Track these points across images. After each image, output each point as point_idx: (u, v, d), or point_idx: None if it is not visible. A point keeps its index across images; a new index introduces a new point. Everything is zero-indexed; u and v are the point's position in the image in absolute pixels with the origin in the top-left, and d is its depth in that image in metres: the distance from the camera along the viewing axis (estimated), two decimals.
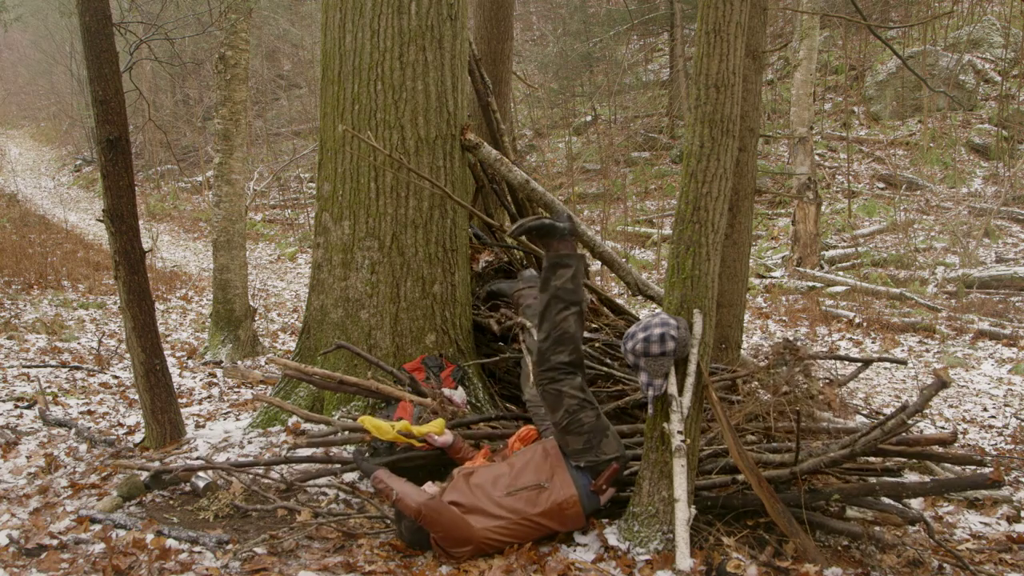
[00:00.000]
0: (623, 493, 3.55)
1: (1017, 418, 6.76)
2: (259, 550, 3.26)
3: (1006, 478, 5.19)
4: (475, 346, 4.93)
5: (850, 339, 9.84)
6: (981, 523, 4.29)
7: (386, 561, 3.23)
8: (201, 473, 3.81)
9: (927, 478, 4.66)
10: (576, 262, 3.41)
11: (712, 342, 3.37)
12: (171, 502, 3.73)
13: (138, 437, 5.03)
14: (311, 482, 3.92)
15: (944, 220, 13.62)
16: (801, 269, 12.57)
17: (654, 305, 6.45)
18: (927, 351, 9.26)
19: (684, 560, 2.99)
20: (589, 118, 19.91)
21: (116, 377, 7.18)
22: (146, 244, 4.58)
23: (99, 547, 3.22)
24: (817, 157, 15.02)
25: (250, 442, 4.38)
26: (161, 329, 7.55)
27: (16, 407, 5.87)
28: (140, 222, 4.56)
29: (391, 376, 4.24)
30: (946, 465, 4.87)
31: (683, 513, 3.07)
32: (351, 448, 4.33)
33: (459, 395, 4.31)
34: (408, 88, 4.51)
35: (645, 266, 13.72)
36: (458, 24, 4.64)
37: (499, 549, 3.26)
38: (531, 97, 20.92)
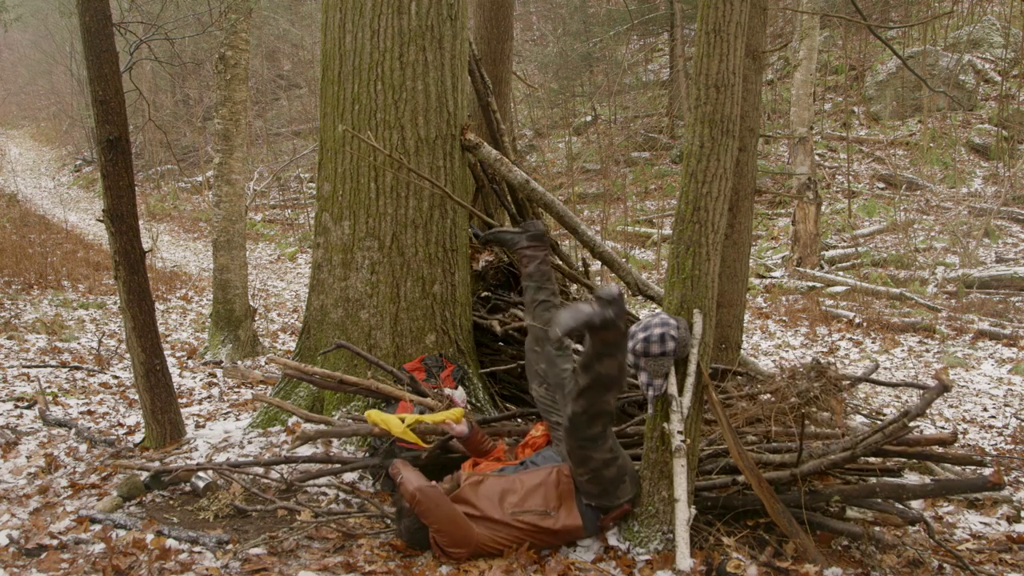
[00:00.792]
0: None
1: (1017, 418, 6.76)
2: (259, 550, 3.26)
3: (1006, 478, 5.19)
4: (476, 346, 4.93)
5: (850, 339, 9.84)
6: (981, 523, 4.29)
7: (386, 561, 3.23)
8: (201, 473, 3.81)
9: (928, 478, 4.66)
10: (623, 352, 3.15)
11: (712, 342, 3.37)
12: (171, 502, 3.73)
13: (138, 437, 5.03)
14: (311, 482, 3.92)
15: (944, 220, 13.62)
16: (801, 269, 12.57)
17: (654, 305, 6.45)
18: (927, 351, 9.26)
19: (684, 560, 2.99)
20: (589, 118, 19.91)
21: (116, 377, 7.18)
22: (146, 244, 4.58)
23: (99, 547, 3.22)
24: (817, 157, 15.02)
25: (250, 442, 4.38)
26: (161, 329, 7.55)
27: (16, 407, 5.87)
28: (140, 222, 4.56)
29: (391, 376, 4.24)
30: (946, 465, 4.88)
31: (683, 513, 3.07)
32: (351, 448, 4.34)
33: (459, 395, 4.31)
34: (408, 88, 4.51)
35: (645, 266, 13.72)
36: (458, 24, 4.64)
37: (498, 552, 3.26)
38: (531, 97, 20.92)
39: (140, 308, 4.49)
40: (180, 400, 5.32)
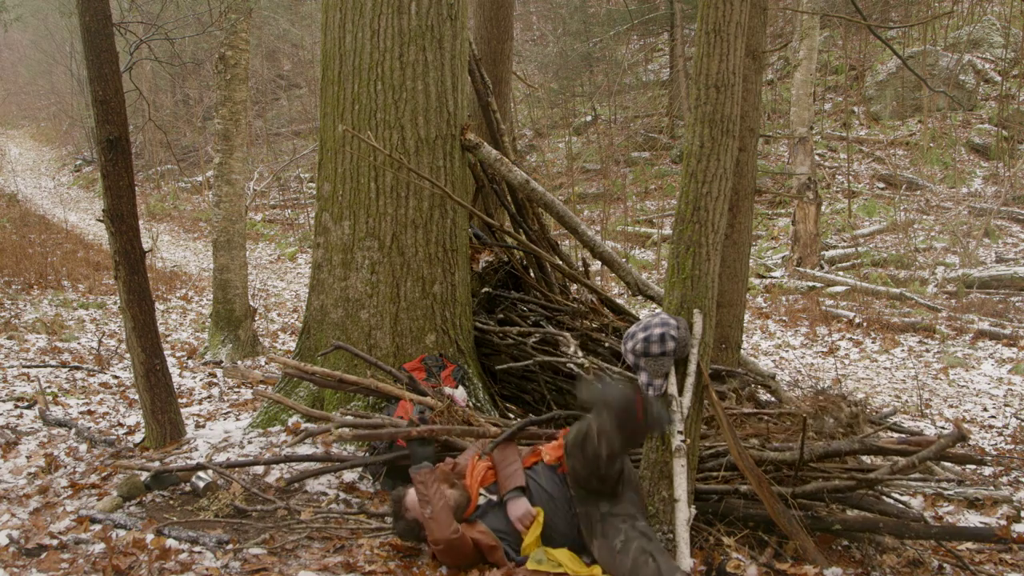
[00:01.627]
0: None
1: (1017, 418, 6.76)
2: (259, 550, 3.26)
3: (1006, 478, 5.19)
4: (475, 346, 4.94)
5: (850, 339, 9.84)
6: (981, 523, 4.29)
7: (386, 561, 3.23)
8: (201, 473, 3.81)
9: (928, 489, 4.65)
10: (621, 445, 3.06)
11: (712, 342, 3.37)
12: (171, 502, 3.73)
13: (138, 437, 5.03)
14: (311, 482, 3.92)
15: (944, 220, 13.62)
16: (801, 269, 12.57)
17: (654, 305, 6.45)
18: (927, 351, 9.26)
19: (684, 560, 2.99)
20: (589, 118, 19.91)
21: (116, 377, 7.18)
22: (146, 244, 4.58)
23: (99, 547, 3.22)
24: (817, 157, 15.02)
25: (250, 442, 4.38)
26: (161, 329, 7.54)
27: (16, 407, 5.87)
28: (140, 222, 4.56)
29: (390, 376, 4.24)
30: (946, 464, 4.88)
31: (683, 513, 3.07)
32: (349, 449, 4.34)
33: (460, 394, 4.31)
34: (408, 88, 4.51)
35: (645, 266, 13.72)
36: (458, 24, 4.64)
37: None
38: (531, 97, 20.92)
39: (140, 308, 4.49)
40: (180, 400, 5.32)
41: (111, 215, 4.36)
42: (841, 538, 3.58)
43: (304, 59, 24.25)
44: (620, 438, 3.01)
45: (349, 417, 3.93)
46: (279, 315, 11.15)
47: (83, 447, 4.78)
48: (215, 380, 7.26)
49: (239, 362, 8.05)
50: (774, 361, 8.98)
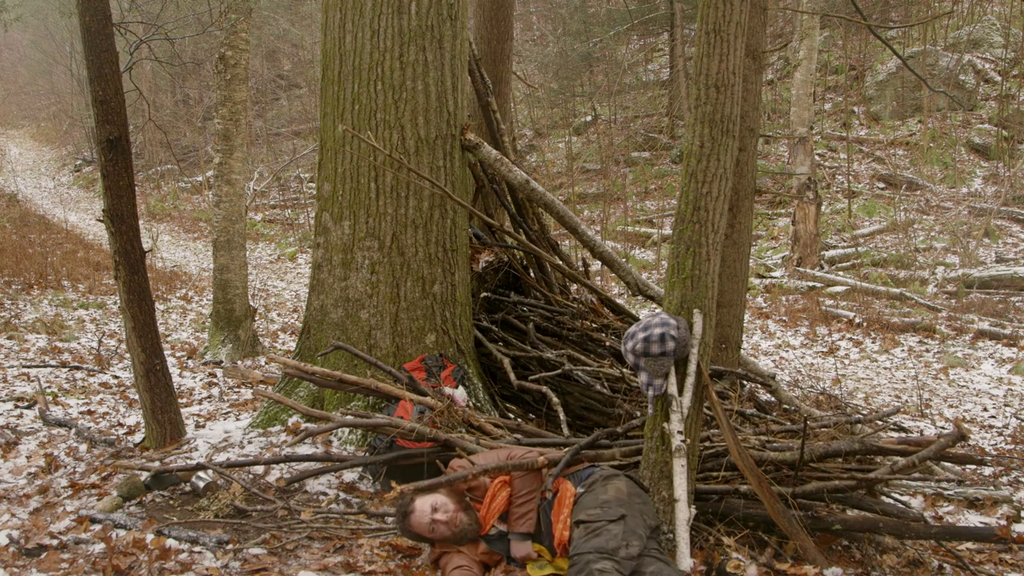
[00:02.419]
0: None
1: (1017, 418, 6.76)
2: (259, 550, 3.26)
3: (1006, 478, 5.19)
4: (475, 347, 4.94)
5: (850, 339, 9.84)
6: (981, 523, 4.29)
7: (386, 561, 3.23)
8: (201, 473, 3.81)
9: (928, 488, 4.66)
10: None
11: (712, 342, 3.37)
12: (171, 502, 3.73)
13: (138, 437, 5.03)
14: (311, 482, 3.92)
15: (944, 220, 13.62)
16: (801, 269, 12.57)
17: (654, 305, 6.45)
18: (927, 351, 9.26)
19: (684, 560, 2.99)
20: (589, 118, 19.91)
21: (116, 377, 7.18)
22: (146, 244, 4.58)
23: (99, 547, 3.22)
24: (817, 157, 15.02)
25: (250, 442, 4.38)
26: (161, 329, 7.55)
27: (16, 407, 5.87)
28: (140, 222, 4.56)
29: (390, 376, 4.24)
30: (946, 464, 4.88)
31: (683, 513, 3.07)
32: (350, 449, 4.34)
33: (460, 394, 4.31)
34: (408, 88, 4.51)
35: (645, 266, 13.72)
36: (458, 24, 4.64)
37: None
38: (531, 97, 20.92)
39: (140, 308, 4.49)
40: (180, 400, 5.32)
41: (111, 215, 4.36)
42: (841, 538, 3.58)
43: (304, 59, 24.25)
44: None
45: (349, 417, 3.93)
46: (279, 315, 11.15)
47: (83, 447, 4.78)
48: (215, 380, 7.26)
49: (239, 362, 8.05)
50: (774, 361, 8.98)
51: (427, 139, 4.56)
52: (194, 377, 7.38)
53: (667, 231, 14.11)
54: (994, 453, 5.79)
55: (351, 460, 4.02)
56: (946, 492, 4.66)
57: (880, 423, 4.86)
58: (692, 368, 3.23)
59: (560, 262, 5.39)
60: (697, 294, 3.25)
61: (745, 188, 5.49)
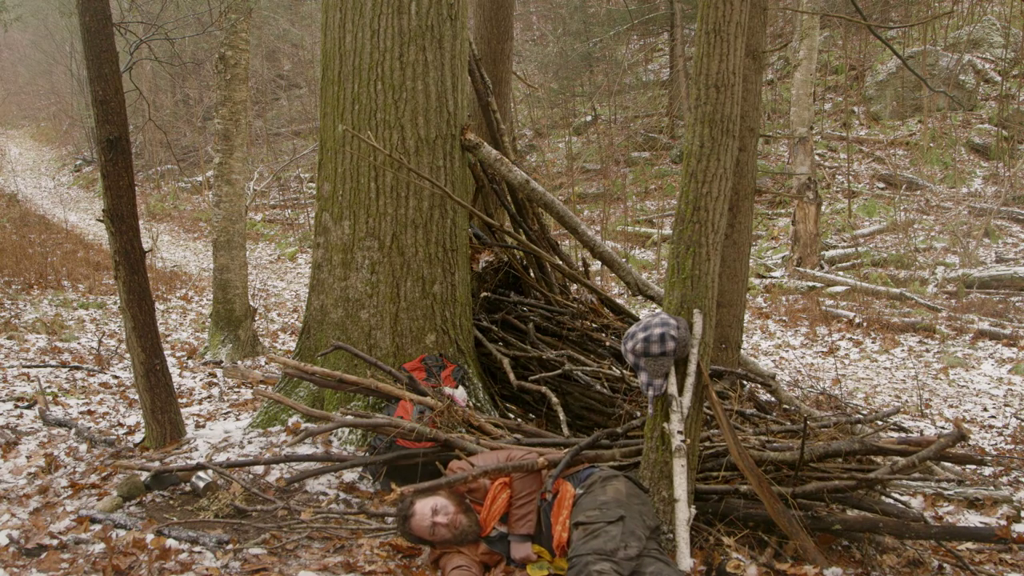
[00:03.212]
0: None
1: (1017, 418, 6.76)
2: (259, 550, 3.26)
3: (1006, 478, 5.19)
4: (475, 347, 4.93)
5: (850, 339, 9.84)
6: (981, 523, 4.29)
7: (386, 561, 3.23)
8: (201, 473, 3.81)
9: (928, 488, 4.65)
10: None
11: (712, 342, 3.37)
12: (171, 502, 3.73)
13: (138, 437, 5.03)
14: (311, 482, 3.92)
15: (944, 220, 13.62)
16: (801, 269, 12.57)
17: (654, 305, 6.45)
18: (927, 351, 9.26)
19: (684, 560, 2.99)
20: (589, 118, 19.91)
21: (116, 377, 7.18)
22: (146, 244, 4.58)
23: (99, 547, 3.22)
24: (817, 157, 15.02)
25: (250, 442, 4.38)
26: (161, 329, 7.55)
27: (16, 407, 5.87)
28: (140, 222, 4.56)
29: (390, 376, 4.24)
30: (946, 464, 4.88)
31: (683, 513, 3.07)
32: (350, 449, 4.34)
33: (460, 394, 4.31)
34: (408, 88, 4.51)
35: (645, 266, 13.72)
36: (458, 24, 4.64)
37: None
38: (531, 97, 20.92)
39: (140, 308, 4.49)
40: (180, 400, 5.32)
41: (111, 215, 4.36)
42: (841, 538, 3.59)
43: (304, 59, 24.25)
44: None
45: (349, 417, 3.93)
46: (279, 315, 11.15)
47: (83, 447, 4.78)
48: (215, 380, 7.26)
49: (239, 362, 8.05)
50: (774, 361, 8.98)
51: (427, 139, 4.56)
52: (194, 377, 7.38)
53: (667, 231, 14.11)
54: (994, 453, 5.79)
55: (351, 460, 4.02)
56: (946, 492, 4.66)
57: (880, 423, 4.86)
58: (692, 368, 3.23)
59: (560, 262, 5.39)
60: (697, 294, 3.25)
61: (745, 188, 5.49)
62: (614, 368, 4.78)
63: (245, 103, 8.29)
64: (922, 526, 3.38)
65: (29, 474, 4.29)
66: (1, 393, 6.30)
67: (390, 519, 3.57)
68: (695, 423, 3.29)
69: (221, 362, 8.00)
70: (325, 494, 3.85)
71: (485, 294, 5.26)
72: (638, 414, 4.30)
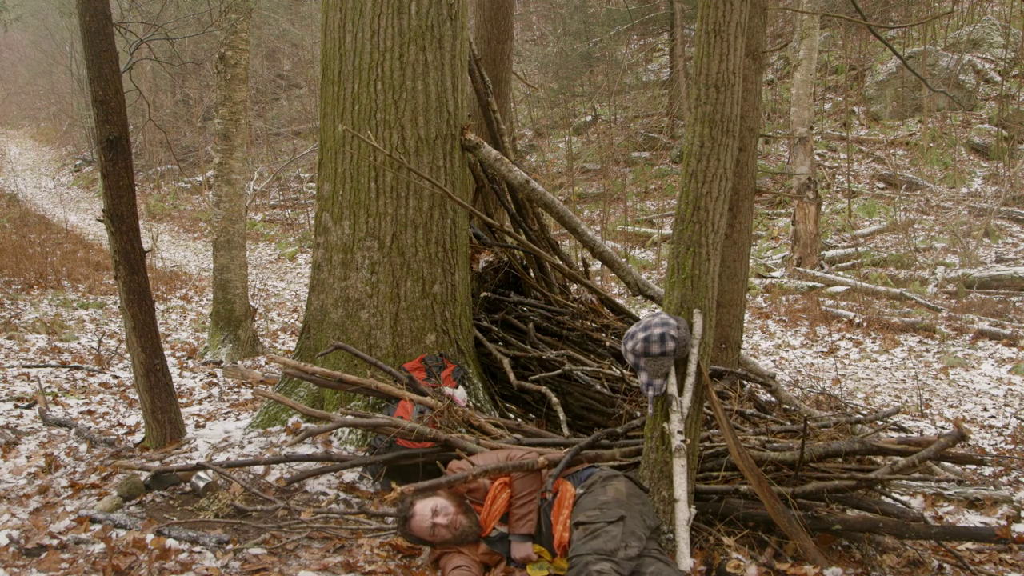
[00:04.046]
0: None
1: (1017, 418, 6.76)
2: (259, 550, 3.25)
3: (1006, 478, 5.19)
4: (475, 347, 4.93)
5: (850, 339, 9.84)
6: (981, 523, 4.29)
7: (386, 561, 3.23)
8: (201, 473, 3.81)
9: (928, 488, 4.65)
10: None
11: (712, 342, 3.37)
12: (171, 502, 3.73)
13: (138, 437, 5.03)
14: (311, 482, 3.92)
15: (944, 220, 13.62)
16: (801, 269, 12.57)
17: (654, 305, 6.45)
18: (927, 351, 9.26)
19: (684, 560, 2.99)
20: (589, 118, 19.91)
21: (116, 377, 7.18)
22: (146, 244, 4.58)
23: (99, 547, 3.22)
24: (817, 157, 15.02)
25: (250, 442, 4.38)
26: (161, 329, 7.55)
27: (16, 407, 5.87)
28: (140, 222, 4.56)
29: (390, 376, 4.24)
30: (946, 464, 4.88)
31: (683, 513, 3.07)
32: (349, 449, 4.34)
33: (460, 394, 4.31)
34: (408, 88, 4.51)
35: (645, 266, 13.72)
36: (458, 24, 4.64)
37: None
38: (531, 97, 20.92)
39: (140, 308, 4.49)
40: (180, 400, 5.32)
41: (111, 215, 4.36)
42: (841, 538, 3.59)
43: (304, 59, 24.25)
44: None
45: (349, 417, 3.93)
46: (279, 315, 11.15)
47: (83, 447, 4.78)
48: (215, 380, 7.26)
49: (239, 362, 8.05)
50: (774, 361, 8.98)
51: (427, 139, 4.56)
52: (194, 377, 7.38)
53: (667, 231, 14.11)
54: (994, 453, 5.79)
55: (351, 460, 4.02)
56: (946, 492, 4.66)
57: (880, 423, 4.86)
58: (692, 368, 3.23)
59: (560, 262, 5.39)
60: (697, 294, 3.25)
61: (745, 188, 5.49)
62: (614, 368, 4.79)
63: (245, 103, 8.29)
64: (922, 526, 3.38)
65: (29, 474, 4.29)
66: (1, 393, 6.30)
67: (390, 519, 3.57)
68: (695, 423, 3.29)
69: (221, 362, 8.00)
70: (325, 494, 3.85)
71: (485, 294, 5.26)
72: (638, 414, 4.30)
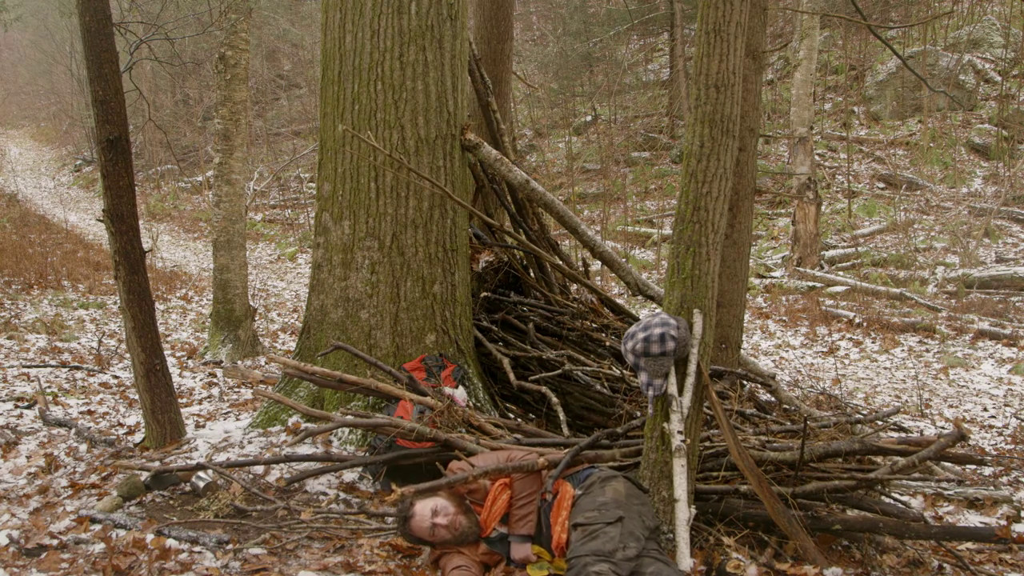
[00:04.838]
0: None
1: (1017, 418, 6.76)
2: (259, 550, 3.25)
3: (1006, 478, 5.19)
4: (475, 347, 4.93)
5: (850, 339, 9.84)
6: (981, 523, 4.29)
7: (386, 561, 3.23)
8: (201, 473, 3.81)
9: (928, 488, 4.65)
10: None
11: (712, 342, 3.37)
12: (171, 502, 3.73)
13: (138, 437, 5.03)
14: (311, 482, 3.92)
15: (944, 220, 13.62)
16: (801, 269, 12.57)
17: (654, 305, 6.45)
18: (927, 351, 9.26)
19: (684, 560, 2.99)
20: (589, 118, 19.91)
21: (116, 377, 7.18)
22: (146, 244, 4.58)
23: (99, 547, 3.22)
24: (817, 157, 15.02)
25: (250, 442, 4.38)
26: (161, 329, 7.55)
27: (16, 407, 5.87)
28: (140, 222, 4.56)
29: (390, 376, 4.24)
30: (946, 464, 4.88)
31: (683, 513, 3.07)
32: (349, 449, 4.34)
33: (460, 394, 4.31)
34: (408, 88, 4.51)
35: (645, 266, 13.72)
36: (458, 24, 4.65)
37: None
38: (531, 97, 20.92)
39: (140, 308, 4.49)
40: (180, 400, 5.32)
41: (111, 215, 4.36)
42: (841, 538, 3.59)
43: (304, 59, 24.25)
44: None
45: (349, 417, 3.93)
46: (279, 315, 11.15)
47: (83, 447, 4.78)
48: (215, 380, 7.26)
49: (239, 362, 8.05)
50: (774, 361, 8.98)
51: (427, 139, 4.56)
52: (194, 377, 7.38)
53: (667, 231, 14.11)
54: (994, 453, 5.79)
55: (351, 460, 4.02)
56: (946, 492, 4.66)
57: (880, 423, 4.86)
58: (692, 368, 3.23)
59: (560, 262, 5.39)
60: (697, 294, 3.25)
61: (745, 188, 5.49)
62: (614, 368, 4.79)
63: (245, 103, 8.29)
64: (922, 526, 3.38)
65: (29, 474, 4.29)
66: (1, 393, 6.30)
67: (390, 519, 3.57)
68: (695, 423, 3.29)
69: (221, 362, 8.00)
70: (325, 494, 3.85)
71: (485, 294, 5.26)
72: (638, 414, 4.30)
